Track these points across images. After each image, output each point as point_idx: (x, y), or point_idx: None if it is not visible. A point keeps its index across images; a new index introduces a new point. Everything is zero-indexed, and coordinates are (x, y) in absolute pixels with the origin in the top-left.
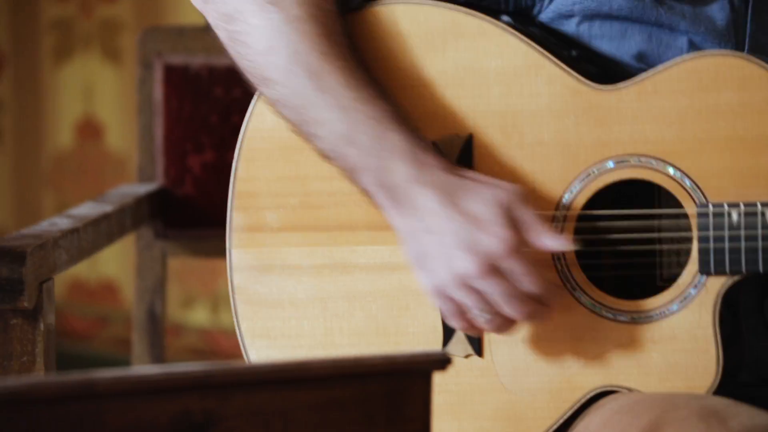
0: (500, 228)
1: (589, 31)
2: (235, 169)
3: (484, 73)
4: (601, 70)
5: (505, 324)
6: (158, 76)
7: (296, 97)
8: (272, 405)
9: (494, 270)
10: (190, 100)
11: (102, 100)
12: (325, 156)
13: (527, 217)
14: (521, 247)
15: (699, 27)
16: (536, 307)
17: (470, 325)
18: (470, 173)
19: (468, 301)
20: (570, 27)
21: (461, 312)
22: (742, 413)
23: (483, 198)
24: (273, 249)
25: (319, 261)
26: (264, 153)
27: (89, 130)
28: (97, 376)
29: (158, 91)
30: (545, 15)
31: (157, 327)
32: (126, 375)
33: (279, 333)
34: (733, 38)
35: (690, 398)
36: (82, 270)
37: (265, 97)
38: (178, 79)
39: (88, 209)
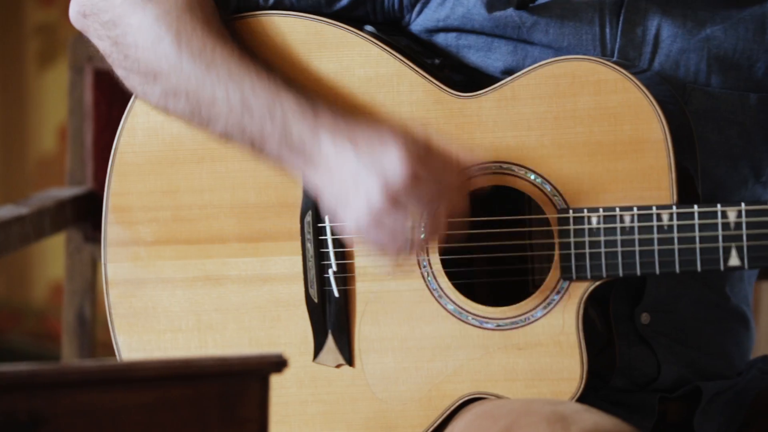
0: (398, 147)
1: (457, 41)
2: (108, 184)
3: (349, 82)
4: (468, 78)
5: (434, 225)
6: (88, 80)
7: (188, 82)
8: (101, 405)
9: (405, 189)
10: (118, 106)
11: None
12: (226, 137)
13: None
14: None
15: (563, 41)
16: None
17: (405, 243)
18: (362, 120)
19: (395, 218)
20: (438, 38)
21: (393, 233)
22: (588, 419)
23: (379, 132)
24: (147, 263)
25: (192, 274)
26: (136, 167)
27: None
28: None
29: (88, 96)
30: (414, 27)
31: (86, 330)
32: None
33: (155, 346)
34: (600, 51)
35: (545, 404)
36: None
37: (156, 97)
38: (107, 84)
39: (4, 212)
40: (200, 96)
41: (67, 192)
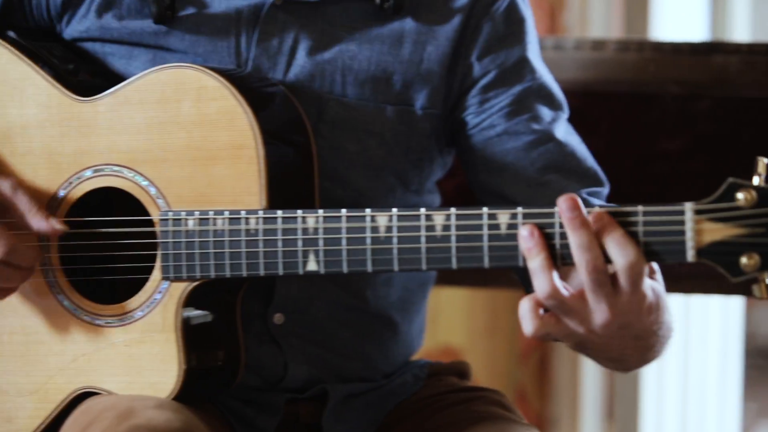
0: None
1: (102, 49)
2: None
3: None
4: (113, 84)
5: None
6: None
7: None
8: None
9: None
10: None
11: None
12: None
13: (18, 200)
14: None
15: (198, 49)
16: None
17: None
18: None
19: None
20: (87, 45)
21: None
22: (146, 415)
23: None
24: None
25: None
26: None
27: None
28: None
29: None
30: (66, 36)
31: None
32: None
33: None
34: (235, 60)
35: (129, 400)
36: None
37: None
38: None
39: None
40: None
41: None
